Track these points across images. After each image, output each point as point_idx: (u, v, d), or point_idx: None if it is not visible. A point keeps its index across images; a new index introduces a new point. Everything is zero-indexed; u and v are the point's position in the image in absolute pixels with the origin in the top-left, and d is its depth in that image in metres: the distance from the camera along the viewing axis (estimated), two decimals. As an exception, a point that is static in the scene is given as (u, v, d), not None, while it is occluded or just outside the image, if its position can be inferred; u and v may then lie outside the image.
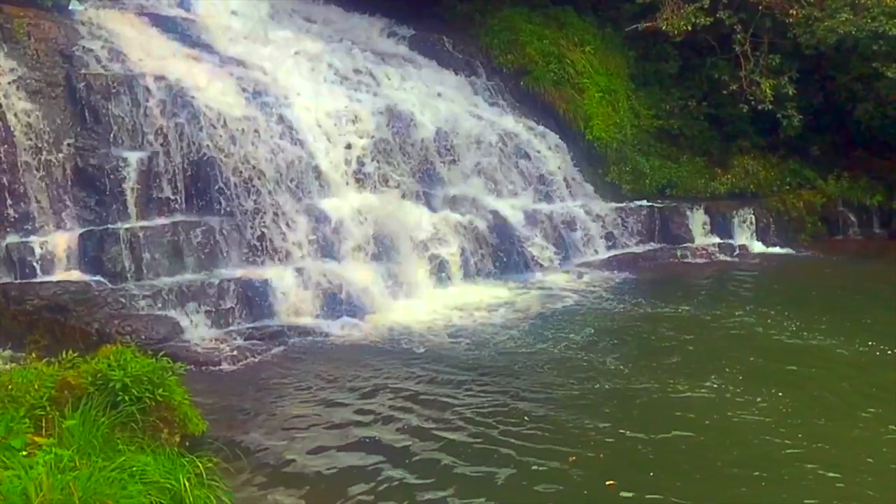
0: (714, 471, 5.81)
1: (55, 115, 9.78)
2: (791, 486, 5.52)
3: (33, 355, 6.16)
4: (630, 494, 5.44)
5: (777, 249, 14.52)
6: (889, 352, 8.34)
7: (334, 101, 12.10)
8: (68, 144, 9.77)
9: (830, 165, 15.84)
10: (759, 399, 7.02)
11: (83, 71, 10.25)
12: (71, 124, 9.90)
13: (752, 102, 14.75)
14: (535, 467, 5.80)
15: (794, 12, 14.55)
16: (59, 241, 9.34)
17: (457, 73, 14.85)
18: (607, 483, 5.58)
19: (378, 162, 11.90)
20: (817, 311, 9.98)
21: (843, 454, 5.98)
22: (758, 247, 14.55)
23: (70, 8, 11.12)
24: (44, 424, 4.97)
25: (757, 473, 5.66)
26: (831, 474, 5.64)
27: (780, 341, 8.83)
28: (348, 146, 11.71)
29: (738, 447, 6.12)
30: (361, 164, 11.72)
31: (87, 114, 10.01)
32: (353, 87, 12.79)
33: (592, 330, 9.33)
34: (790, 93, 14.58)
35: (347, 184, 11.47)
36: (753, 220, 14.89)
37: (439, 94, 13.79)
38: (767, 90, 14.50)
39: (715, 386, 7.38)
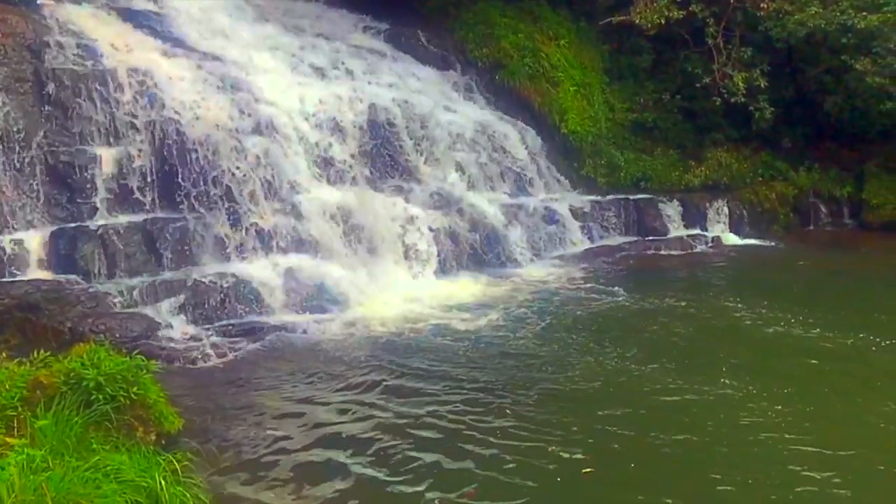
0: (697, 464, 5.81)
1: (24, 112, 9.60)
2: (781, 486, 5.45)
3: (4, 355, 6.08)
4: (606, 483, 5.49)
5: (751, 241, 14.68)
6: (882, 343, 8.42)
7: (309, 96, 12.00)
8: (38, 141, 9.62)
9: (802, 157, 16.06)
10: (747, 394, 7.02)
11: (52, 66, 10.08)
12: (40, 120, 9.74)
13: (725, 95, 14.90)
14: (511, 459, 5.82)
15: (765, 5, 14.73)
16: (31, 239, 9.18)
17: (432, 67, 14.82)
18: (584, 471, 5.63)
19: (353, 157, 11.87)
20: (798, 303, 10.07)
21: (835, 454, 5.90)
22: (732, 238, 14.70)
23: (38, 2, 10.94)
24: (15, 425, 4.93)
25: (743, 472, 5.61)
26: (823, 474, 5.58)
27: (767, 333, 8.88)
28: (324, 141, 11.65)
29: (725, 444, 6.09)
30: (336, 159, 11.67)
31: (57, 110, 9.84)
32: (329, 81, 12.70)
33: (572, 323, 9.34)
34: (762, 85, 14.74)
35: (322, 179, 11.41)
36: (727, 212, 15.06)
37: (415, 89, 13.76)
38: (740, 83, 14.65)
39: (702, 379, 7.37)
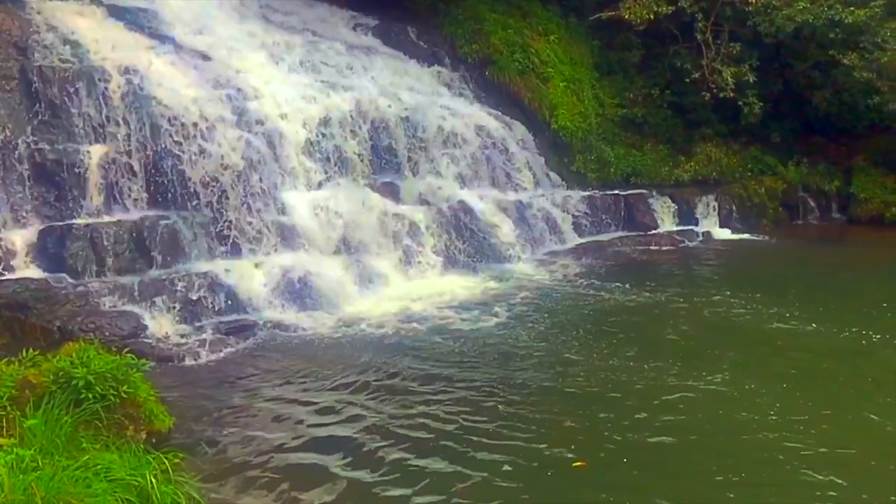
0: (692, 462, 5.78)
1: (11, 109, 9.54)
2: (778, 484, 5.43)
3: (-8, 354, 6.03)
4: (600, 483, 5.46)
5: (740, 235, 14.74)
6: (874, 338, 8.46)
7: (299, 93, 11.97)
8: (26, 139, 9.54)
9: (790, 152, 16.13)
10: (743, 390, 6.99)
11: (39, 63, 10.01)
12: (27, 118, 9.67)
13: (714, 90, 14.96)
14: (503, 460, 5.79)
15: (754, 0, 14.77)
16: (19, 237, 9.14)
17: (422, 64, 14.80)
18: (575, 464, 5.63)
19: (344, 154, 11.84)
20: (791, 297, 10.10)
21: (831, 451, 5.86)
22: (721, 233, 14.76)
23: (24, -1, 10.87)
24: (4, 425, 4.90)
25: (740, 471, 5.59)
26: (819, 471, 5.54)
27: (762, 329, 8.89)
28: (314, 138, 11.61)
29: (721, 442, 6.07)
30: (327, 156, 11.65)
31: (44, 107, 9.78)
32: (318, 78, 12.66)
33: (565, 319, 9.32)
34: (751, 80, 14.80)
35: (313, 176, 11.38)
36: (717, 207, 15.12)
37: (405, 85, 13.73)
38: (729, 78, 14.71)
39: (698, 376, 7.34)
